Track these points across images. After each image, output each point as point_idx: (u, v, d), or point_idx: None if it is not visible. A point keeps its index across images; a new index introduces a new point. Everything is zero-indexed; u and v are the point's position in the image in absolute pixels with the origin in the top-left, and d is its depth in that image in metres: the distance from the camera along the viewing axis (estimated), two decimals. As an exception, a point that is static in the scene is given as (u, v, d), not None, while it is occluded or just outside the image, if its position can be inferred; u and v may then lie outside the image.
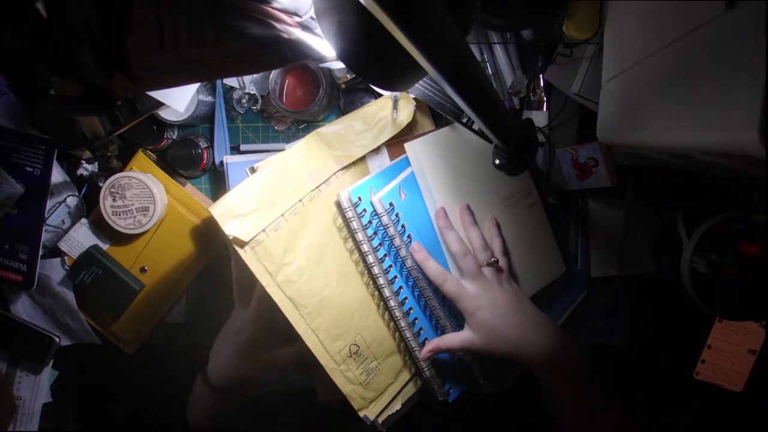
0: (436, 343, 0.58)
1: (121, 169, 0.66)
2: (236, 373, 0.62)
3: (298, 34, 0.45)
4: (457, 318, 0.62)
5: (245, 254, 0.55)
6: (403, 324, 0.60)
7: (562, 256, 0.68)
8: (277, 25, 0.44)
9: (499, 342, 0.56)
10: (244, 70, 0.50)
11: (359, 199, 0.58)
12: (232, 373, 0.62)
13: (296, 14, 0.46)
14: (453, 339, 0.58)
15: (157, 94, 0.60)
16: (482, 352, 0.57)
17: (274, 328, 0.60)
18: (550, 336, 0.56)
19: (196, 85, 0.63)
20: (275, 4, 0.44)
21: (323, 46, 0.47)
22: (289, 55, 0.45)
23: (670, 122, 0.41)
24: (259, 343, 0.61)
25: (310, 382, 0.68)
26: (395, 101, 0.63)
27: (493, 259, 0.60)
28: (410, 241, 0.60)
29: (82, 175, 0.67)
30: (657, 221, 0.66)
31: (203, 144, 0.68)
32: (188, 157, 0.67)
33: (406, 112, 0.64)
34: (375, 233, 0.59)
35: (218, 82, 0.68)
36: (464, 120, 0.62)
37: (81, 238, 0.66)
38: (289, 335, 0.57)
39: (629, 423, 0.57)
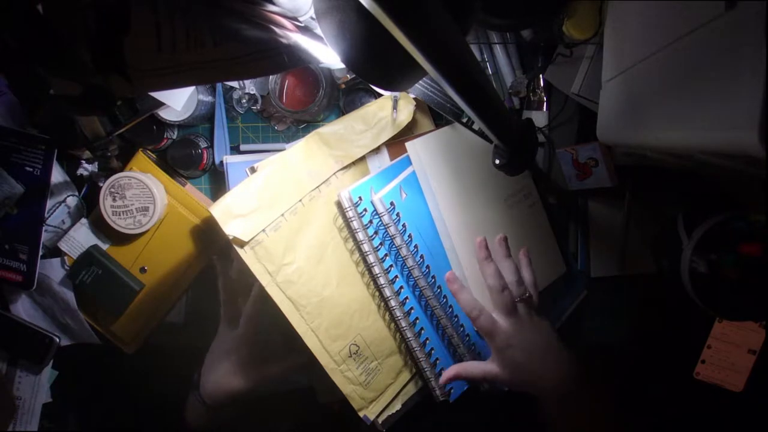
0: (457, 369, 0.58)
1: (121, 169, 0.66)
2: (231, 391, 0.61)
3: (297, 38, 0.45)
4: (457, 317, 0.62)
5: (245, 254, 0.55)
6: (404, 324, 0.59)
7: (562, 256, 0.68)
8: (275, 29, 0.44)
9: (522, 381, 0.57)
10: (243, 75, 0.50)
11: (360, 198, 0.58)
12: (228, 392, 0.61)
13: (295, 19, 0.45)
14: (476, 369, 0.58)
15: (155, 93, 0.60)
16: (503, 385, 0.58)
17: (265, 345, 0.61)
18: (570, 372, 0.57)
19: (195, 86, 0.63)
20: (274, 8, 0.44)
21: (322, 51, 0.47)
22: (287, 61, 0.45)
23: (670, 122, 0.41)
24: (251, 360, 0.60)
25: (310, 382, 0.68)
26: (395, 101, 0.63)
27: (526, 294, 0.59)
28: (411, 241, 0.60)
29: (82, 175, 0.67)
30: (657, 221, 0.66)
31: (203, 144, 0.68)
32: (188, 157, 0.67)
33: (406, 112, 0.64)
34: (375, 233, 0.59)
35: (218, 82, 0.68)
36: (464, 120, 0.62)
37: (81, 238, 0.66)
38: (289, 335, 0.57)
39: None
